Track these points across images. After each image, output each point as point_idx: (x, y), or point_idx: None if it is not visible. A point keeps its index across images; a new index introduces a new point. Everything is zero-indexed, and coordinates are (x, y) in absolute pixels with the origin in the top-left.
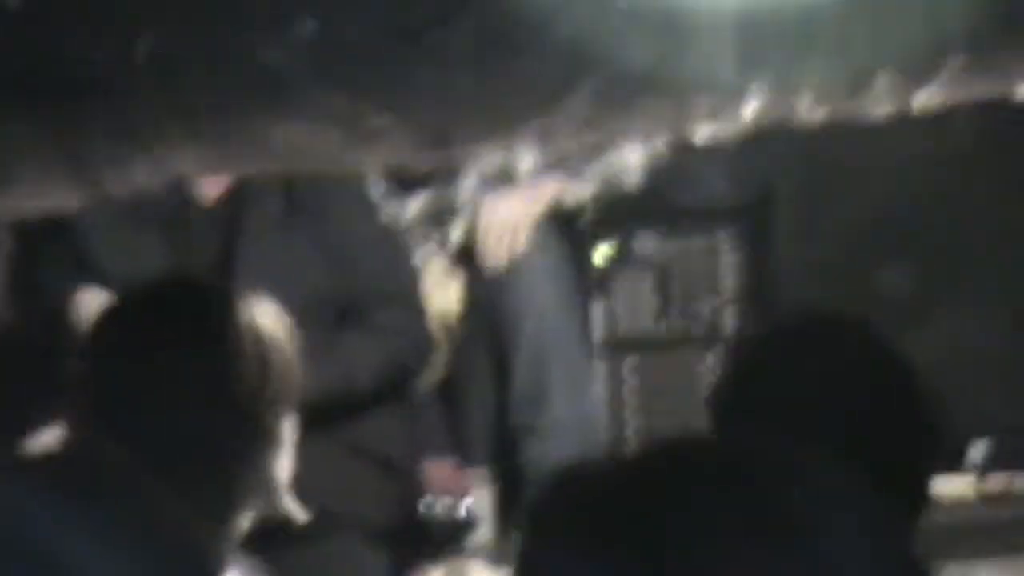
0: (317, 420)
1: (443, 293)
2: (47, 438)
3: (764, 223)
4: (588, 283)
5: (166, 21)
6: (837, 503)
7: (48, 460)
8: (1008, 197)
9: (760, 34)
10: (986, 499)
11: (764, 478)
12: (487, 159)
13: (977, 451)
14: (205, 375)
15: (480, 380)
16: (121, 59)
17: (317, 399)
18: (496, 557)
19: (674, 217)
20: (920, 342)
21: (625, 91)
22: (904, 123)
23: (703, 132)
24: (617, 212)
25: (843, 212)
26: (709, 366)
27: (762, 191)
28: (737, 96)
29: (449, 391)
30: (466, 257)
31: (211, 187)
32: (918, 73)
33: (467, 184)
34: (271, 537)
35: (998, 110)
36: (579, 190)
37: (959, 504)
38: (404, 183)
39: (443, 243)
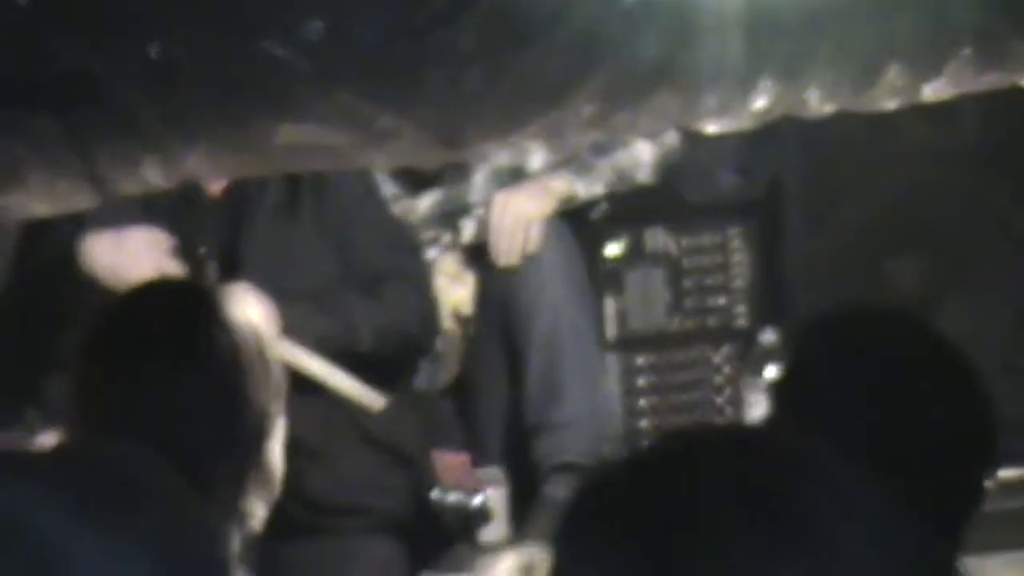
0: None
1: (456, 290)
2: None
3: (775, 218)
4: (600, 279)
5: (176, 25)
6: (852, 512)
7: (54, 460)
8: (1017, 191)
9: (768, 28)
10: (1000, 490)
11: (780, 483)
12: (497, 157)
13: None
14: (199, 376)
15: (493, 376)
16: (131, 62)
17: (323, 354)
18: (513, 552)
19: (685, 213)
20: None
21: (634, 87)
22: (913, 115)
23: (713, 127)
24: (628, 208)
25: (852, 206)
26: (722, 361)
27: (772, 186)
28: (746, 90)
29: (463, 387)
30: (478, 254)
31: (216, 183)
32: (926, 65)
33: (478, 181)
34: (289, 527)
35: (1007, 102)
36: (590, 186)
37: None
38: (415, 181)
39: (455, 241)
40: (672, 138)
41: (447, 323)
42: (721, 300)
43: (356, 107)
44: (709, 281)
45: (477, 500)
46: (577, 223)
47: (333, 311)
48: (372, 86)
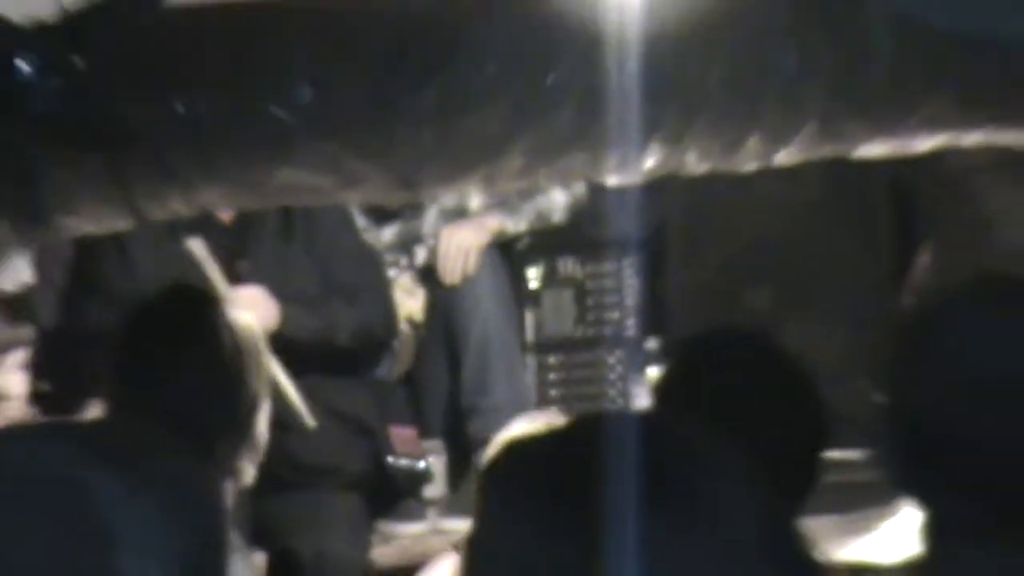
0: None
1: (410, 302)
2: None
3: (658, 253)
4: (522, 297)
5: (198, 88)
6: (723, 480)
7: (93, 427)
8: (847, 234)
9: (658, 104)
10: (828, 467)
11: (663, 456)
12: (445, 198)
13: None
14: (207, 365)
15: (437, 370)
16: (162, 115)
17: (308, 347)
18: (446, 508)
19: (589, 247)
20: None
21: (553, 147)
22: (767, 175)
23: (613, 180)
24: (545, 241)
25: (718, 245)
26: (615, 362)
27: (657, 228)
28: (639, 153)
29: (413, 377)
30: (428, 275)
31: (224, 211)
32: (779, 137)
33: (429, 218)
34: (276, 484)
35: (842, 165)
36: (516, 224)
37: None
38: (380, 216)
39: (410, 263)
40: (580, 188)
41: (402, 327)
42: (615, 315)
43: (337, 156)
44: (606, 300)
45: (422, 465)
46: (506, 252)
47: (319, 314)
48: (349, 140)
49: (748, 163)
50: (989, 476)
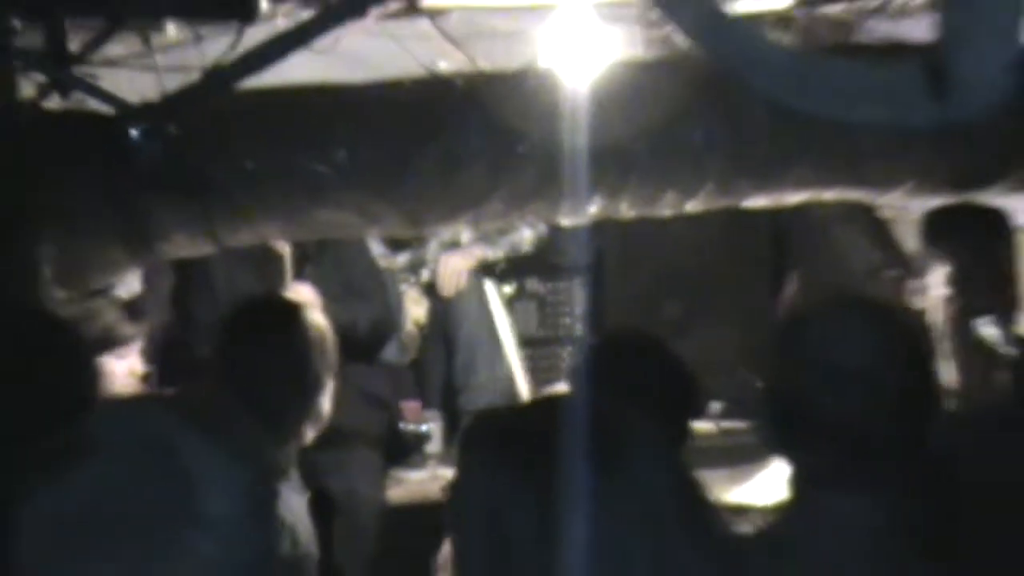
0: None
1: (417, 310)
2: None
3: (599, 275)
4: (499, 309)
5: (260, 148)
6: (644, 439)
7: (184, 400)
8: (738, 263)
9: (599, 168)
10: (721, 434)
11: (601, 422)
12: (444, 233)
13: (715, 407)
14: (286, 350)
15: (436, 359)
16: (234, 169)
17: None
18: (442, 460)
19: (549, 270)
20: (685, 347)
21: (522, 198)
22: (680, 218)
23: (566, 221)
24: (516, 266)
25: (643, 269)
26: (567, 354)
27: (598, 255)
28: (586, 202)
29: (418, 364)
30: (430, 290)
31: (279, 243)
32: (687, 192)
33: (431, 247)
34: (320, 442)
35: (734, 212)
36: (495, 253)
37: (706, 436)
38: (395, 245)
39: (417, 281)
40: (542, 227)
41: (410, 328)
42: (567, 320)
43: (362, 201)
44: (561, 309)
45: (424, 429)
46: (487, 274)
47: (345, 311)
48: (372, 189)
49: (665, 210)
50: (837, 439)
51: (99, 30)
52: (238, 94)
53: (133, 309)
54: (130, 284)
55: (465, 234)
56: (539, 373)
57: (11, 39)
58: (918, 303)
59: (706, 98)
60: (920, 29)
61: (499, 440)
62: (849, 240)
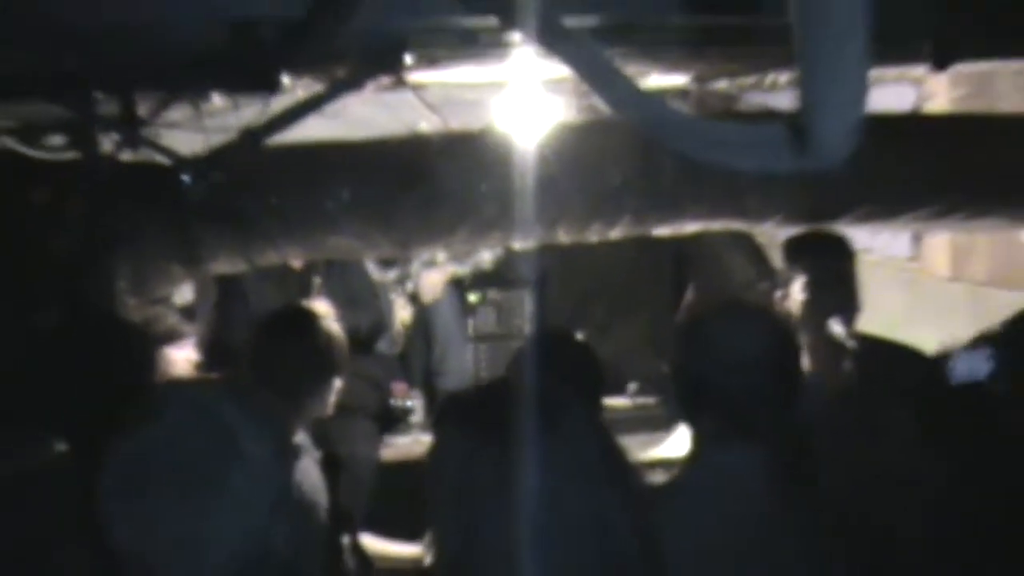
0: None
1: (403, 313)
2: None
3: (542, 286)
4: (466, 310)
5: (282, 189)
6: (574, 404)
7: (228, 382)
8: (648, 277)
9: (543, 206)
10: (635, 407)
11: (542, 397)
12: (424, 255)
13: (632, 387)
14: (306, 348)
15: (418, 350)
16: (263, 205)
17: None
18: (422, 429)
19: (505, 282)
20: (608, 342)
21: (482, 229)
22: (604, 243)
23: (519, 246)
24: (480, 279)
25: (575, 282)
26: (517, 347)
27: (543, 272)
28: (533, 232)
29: (405, 354)
30: (414, 298)
31: (297, 262)
32: (612, 221)
33: (415, 266)
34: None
35: (645, 239)
36: (463, 269)
37: (623, 408)
38: (387, 264)
39: (404, 291)
40: (499, 250)
41: (398, 327)
42: (519, 321)
43: (361, 230)
44: (514, 313)
45: (409, 404)
46: (457, 286)
47: (350, 316)
48: (370, 221)
49: (593, 237)
50: (728, 408)
51: (160, 100)
52: (266, 148)
53: (187, 313)
54: (184, 294)
55: (440, 255)
56: (496, 361)
57: (94, 107)
58: (784, 307)
59: (624, 151)
60: (786, 100)
61: (466, 413)
62: (732, 260)
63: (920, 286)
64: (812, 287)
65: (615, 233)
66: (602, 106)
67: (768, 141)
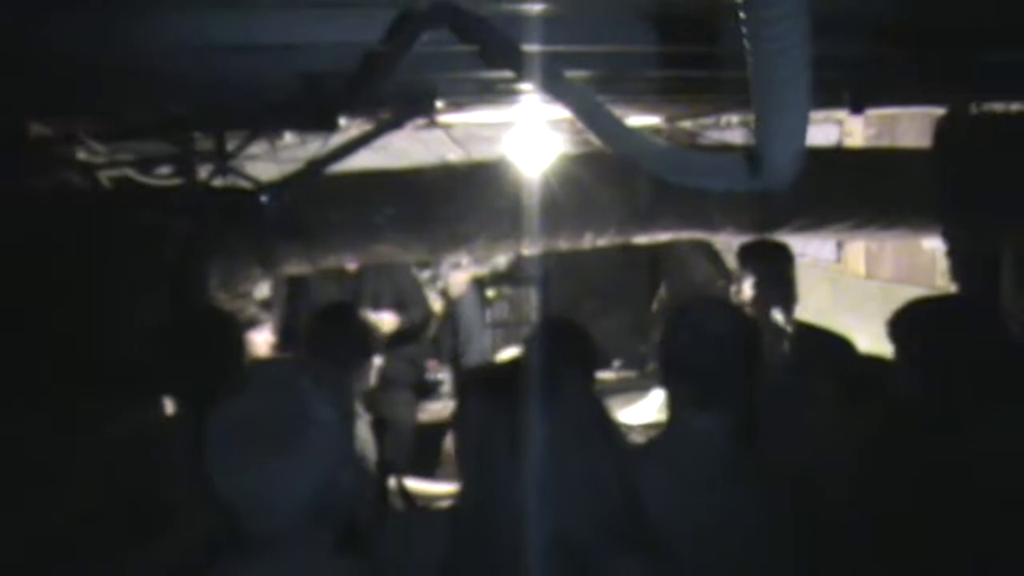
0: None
1: (436, 306)
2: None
3: (546, 283)
4: (485, 303)
5: (337, 208)
6: (572, 377)
7: (300, 361)
8: (629, 276)
9: (545, 221)
10: (618, 379)
11: (550, 371)
12: (451, 259)
13: (616, 363)
14: (349, 334)
15: (447, 335)
16: (322, 220)
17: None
18: (450, 396)
19: (516, 281)
20: (598, 327)
21: (499, 239)
22: (595, 249)
23: (527, 252)
24: (496, 278)
25: (571, 280)
26: (526, 334)
27: (545, 272)
28: (537, 240)
29: (437, 339)
30: (444, 293)
31: (352, 265)
32: (599, 233)
33: (444, 267)
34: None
35: (628, 246)
36: (483, 271)
37: (610, 381)
38: (422, 266)
39: (436, 288)
40: (512, 255)
41: (435, 316)
42: (527, 311)
43: (403, 240)
44: (523, 305)
45: (440, 376)
46: (478, 284)
47: (406, 315)
48: (408, 231)
49: (585, 244)
50: (702, 377)
51: (245, 137)
52: (326, 176)
53: (265, 305)
54: (262, 290)
55: (464, 259)
56: (509, 343)
57: (193, 144)
58: (737, 300)
59: (610, 176)
60: (738, 136)
61: (484, 385)
62: (695, 262)
63: (842, 283)
64: (759, 284)
65: (603, 241)
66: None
67: (730, 167)
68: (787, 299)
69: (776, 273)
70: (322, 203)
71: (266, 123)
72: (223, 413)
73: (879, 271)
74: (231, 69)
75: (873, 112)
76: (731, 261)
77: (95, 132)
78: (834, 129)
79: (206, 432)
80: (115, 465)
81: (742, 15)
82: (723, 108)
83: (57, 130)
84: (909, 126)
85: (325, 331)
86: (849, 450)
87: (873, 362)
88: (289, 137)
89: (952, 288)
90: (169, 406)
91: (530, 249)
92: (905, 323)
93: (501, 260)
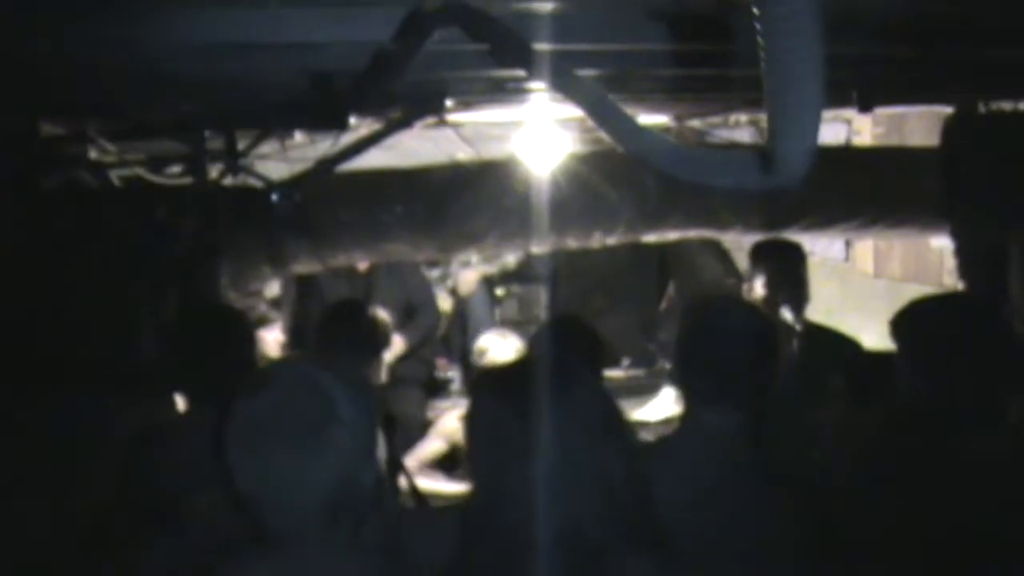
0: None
1: (446, 304)
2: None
3: (555, 281)
4: (494, 302)
5: (348, 206)
6: (582, 375)
7: (313, 359)
8: (638, 274)
9: (554, 220)
10: (627, 378)
11: (555, 369)
12: (460, 257)
13: (625, 361)
14: (361, 334)
15: (456, 333)
16: (332, 218)
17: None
18: (460, 395)
19: (525, 279)
20: (606, 325)
21: (508, 237)
22: (604, 248)
23: (535, 250)
24: (506, 276)
25: (580, 278)
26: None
27: (555, 270)
28: (546, 239)
29: (446, 336)
30: (453, 292)
31: (363, 264)
32: (608, 232)
33: (454, 266)
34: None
35: (636, 244)
36: (492, 269)
37: (618, 379)
38: (432, 264)
39: (445, 287)
40: (521, 254)
41: (443, 315)
42: (537, 310)
43: (412, 238)
44: (532, 303)
45: (450, 375)
46: (487, 282)
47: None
48: (417, 230)
49: (594, 243)
50: (718, 374)
51: (254, 137)
52: (336, 174)
53: (274, 303)
54: (272, 289)
55: (474, 258)
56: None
57: (204, 143)
58: (749, 298)
59: (619, 175)
60: (745, 135)
61: (496, 383)
62: (703, 261)
63: (850, 281)
64: (770, 283)
65: (612, 240)
66: (604, 139)
67: (742, 164)
68: (798, 298)
69: (787, 272)
70: (332, 202)
71: (276, 122)
72: (245, 412)
73: (887, 270)
74: (242, 68)
75: (881, 111)
76: (739, 260)
77: (106, 131)
78: (842, 128)
79: (227, 430)
80: (126, 463)
81: (756, 11)
82: (731, 107)
83: (68, 129)
84: (917, 125)
85: (335, 328)
86: (853, 450)
87: (882, 362)
88: (299, 136)
89: (960, 286)
90: (180, 404)
91: (539, 248)
92: (907, 322)
93: (510, 258)
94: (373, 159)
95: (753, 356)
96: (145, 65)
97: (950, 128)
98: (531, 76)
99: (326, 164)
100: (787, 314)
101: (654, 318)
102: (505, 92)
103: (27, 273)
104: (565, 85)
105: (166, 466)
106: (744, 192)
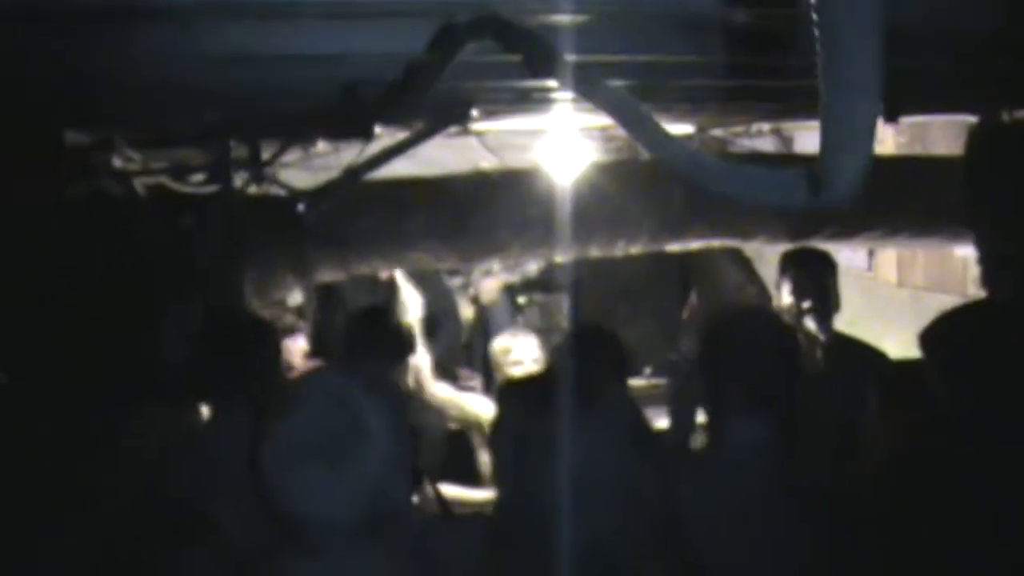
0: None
1: (468, 312)
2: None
3: (578, 290)
4: (516, 310)
5: (370, 214)
6: (607, 384)
7: (342, 367)
8: (661, 284)
9: (577, 229)
10: (648, 388)
11: (579, 379)
12: (482, 266)
13: (646, 370)
14: (387, 342)
15: (480, 340)
16: (356, 227)
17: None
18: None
19: (547, 287)
20: (629, 334)
21: (530, 246)
22: (627, 257)
23: (557, 259)
24: (527, 285)
25: (604, 286)
26: (556, 341)
27: (577, 279)
28: (568, 248)
29: (469, 345)
30: (475, 300)
31: (384, 272)
32: (631, 241)
33: (476, 274)
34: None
35: (658, 253)
36: (514, 278)
37: (641, 388)
38: (454, 273)
39: (467, 295)
40: (542, 262)
41: (465, 324)
42: (559, 318)
43: (434, 247)
44: (555, 311)
45: (471, 384)
46: (509, 291)
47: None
48: (439, 239)
49: (618, 252)
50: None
51: (280, 146)
52: (362, 183)
53: (298, 312)
54: (296, 297)
55: (496, 266)
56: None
57: (228, 152)
58: (775, 308)
59: (643, 184)
60: (767, 144)
61: (521, 394)
62: (726, 270)
63: (874, 291)
64: (795, 292)
65: (635, 249)
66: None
67: (788, 182)
68: (824, 308)
69: (814, 281)
70: (355, 211)
71: (302, 132)
72: (280, 432)
73: (910, 279)
74: (267, 77)
75: (905, 120)
76: (762, 269)
77: (131, 140)
78: None
79: (261, 451)
80: (153, 471)
81: (815, 16)
82: (754, 117)
83: (93, 138)
84: (940, 134)
85: (361, 335)
86: (883, 455)
87: (908, 372)
88: (323, 145)
89: (983, 295)
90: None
91: (562, 257)
92: (940, 333)
93: (532, 267)
94: (396, 168)
95: (780, 366)
96: (172, 75)
97: (974, 138)
98: (564, 86)
99: (352, 173)
100: (811, 323)
101: (676, 327)
102: (529, 102)
103: (51, 281)
104: (601, 97)
105: (195, 474)
106: (799, 211)
